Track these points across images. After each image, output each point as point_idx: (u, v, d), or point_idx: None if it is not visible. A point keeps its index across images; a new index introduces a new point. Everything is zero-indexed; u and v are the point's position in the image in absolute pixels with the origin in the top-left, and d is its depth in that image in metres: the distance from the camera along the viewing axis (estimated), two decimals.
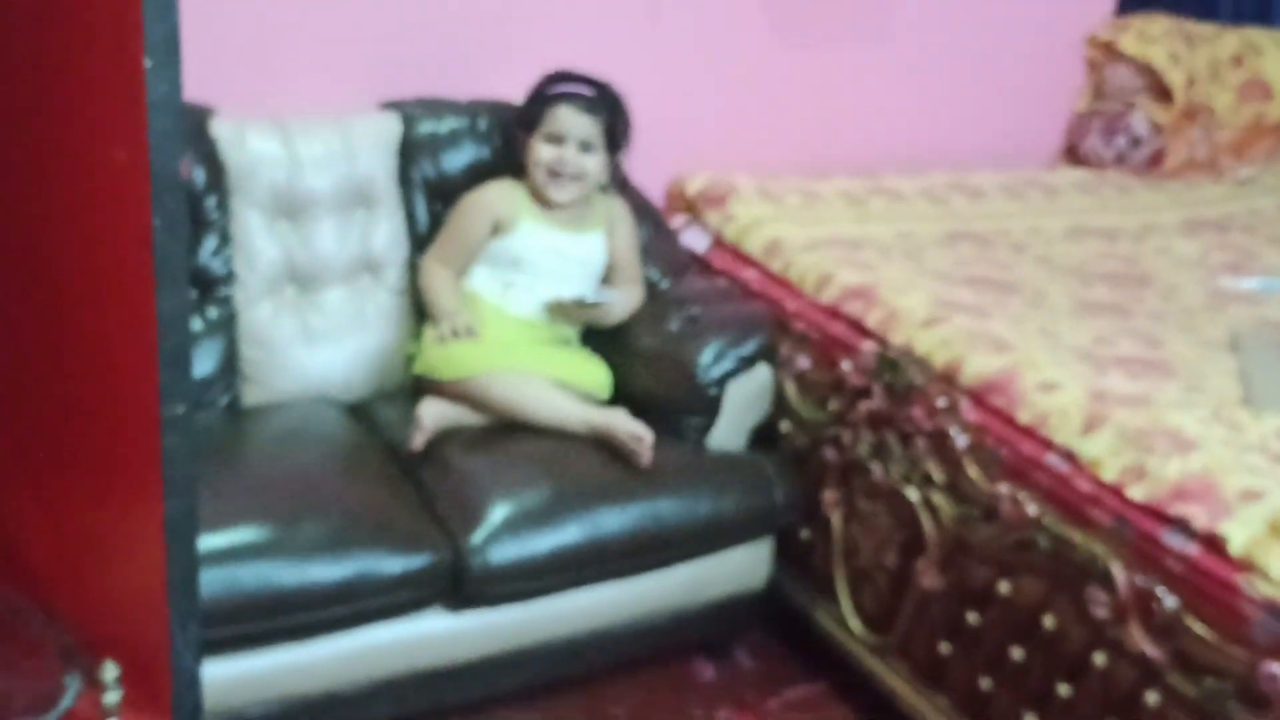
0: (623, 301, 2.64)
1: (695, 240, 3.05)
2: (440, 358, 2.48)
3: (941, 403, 2.26)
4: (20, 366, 1.22)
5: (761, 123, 3.32)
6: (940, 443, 2.25)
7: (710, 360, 2.51)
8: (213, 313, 2.53)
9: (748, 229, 2.97)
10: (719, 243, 3.05)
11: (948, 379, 2.35)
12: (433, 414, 2.39)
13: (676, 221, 3.12)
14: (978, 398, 2.30)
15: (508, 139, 2.70)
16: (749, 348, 2.54)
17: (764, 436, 2.64)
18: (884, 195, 3.26)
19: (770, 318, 2.63)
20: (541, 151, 2.58)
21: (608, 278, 2.69)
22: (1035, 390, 2.23)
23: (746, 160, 3.27)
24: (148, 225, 0.91)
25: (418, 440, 2.36)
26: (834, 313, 2.65)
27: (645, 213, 2.88)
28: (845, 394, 2.46)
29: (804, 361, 2.58)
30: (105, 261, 1.00)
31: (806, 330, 2.67)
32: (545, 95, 2.60)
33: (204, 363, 2.50)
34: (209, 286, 2.53)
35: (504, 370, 2.46)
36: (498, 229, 2.59)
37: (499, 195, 2.62)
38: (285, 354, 2.58)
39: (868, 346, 2.50)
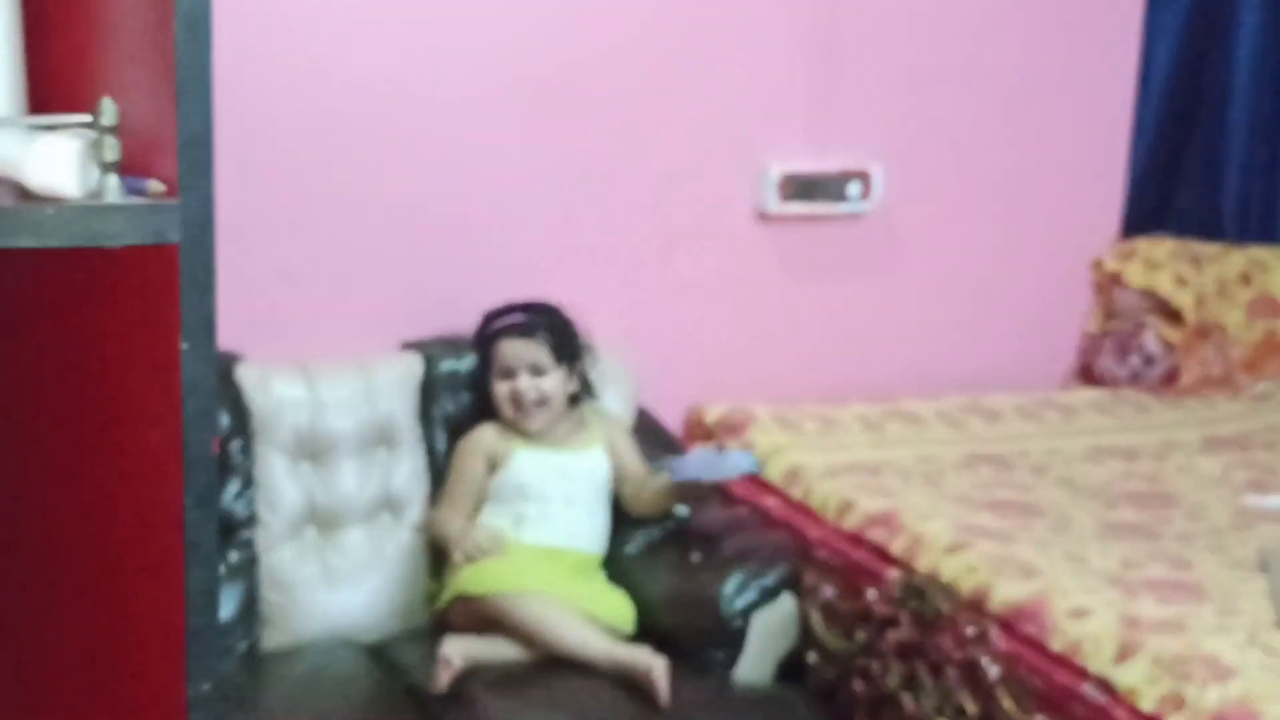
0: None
1: None
2: (471, 575, 2.46)
3: (970, 631, 2.22)
4: (45, 644, 1.20)
5: (777, 352, 3.36)
6: (971, 673, 2.19)
7: (733, 591, 2.48)
8: (234, 556, 2.54)
9: (767, 456, 2.98)
10: None
11: (976, 606, 2.31)
12: (457, 651, 2.35)
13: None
14: (1007, 625, 2.26)
15: (479, 388, 2.72)
16: (772, 578, 2.52)
17: (792, 668, 2.58)
18: (901, 419, 3.27)
19: (793, 546, 2.60)
20: (499, 389, 2.62)
21: (619, 488, 2.68)
22: (1066, 617, 2.19)
23: (763, 388, 3.30)
24: (179, 504, 0.91)
25: (443, 679, 2.31)
26: (857, 539, 2.63)
27: (663, 442, 2.89)
28: (872, 623, 2.42)
29: (829, 590, 2.54)
30: (134, 539, 1.00)
31: (829, 558, 2.64)
32: (485, 335, 2.67)
33: (224, 607, 2.48)
34: (231, 530, 2.55)
35: (533, 591, 2.43)
36: (494, 465, 2.61)
37: (488, 434, 2.65)
38: (306, 596, 2.57)
39: (892, 574, 2.47)
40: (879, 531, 2.59)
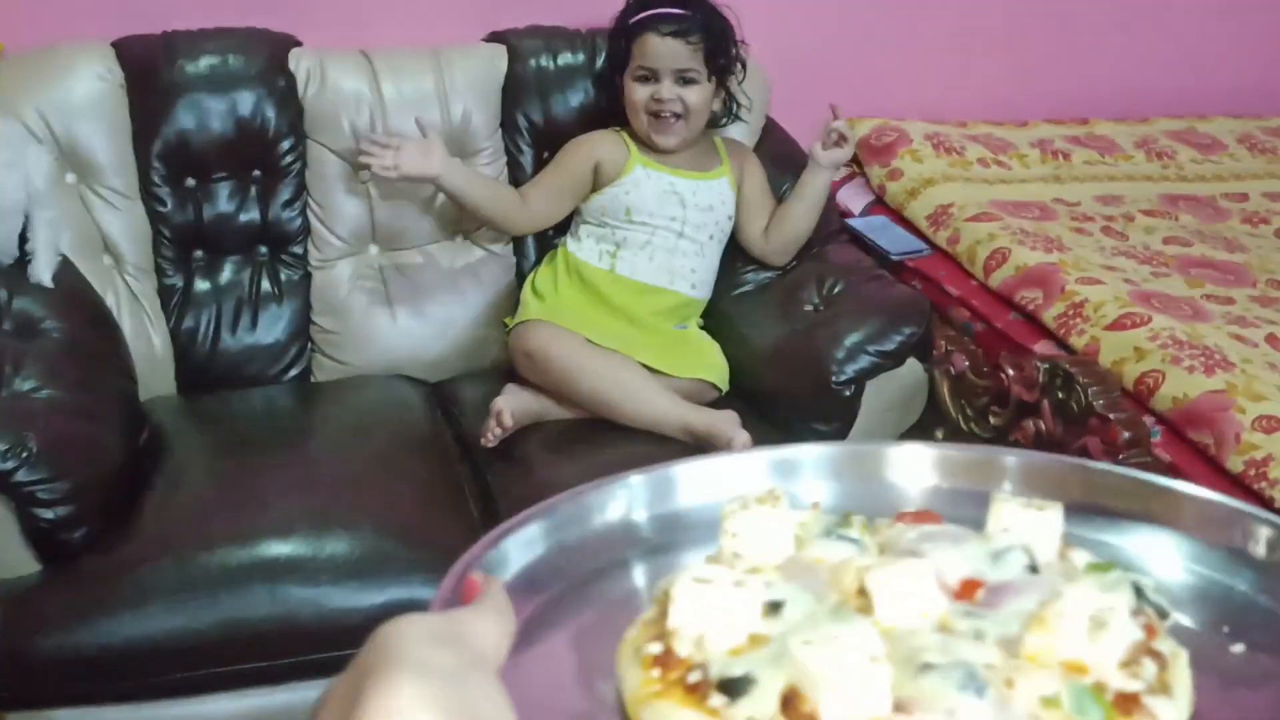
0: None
1: (853, 198, 2.61)
2: (543, 309, 2.18)
3: (1126, 435, 1.78)
4: None
5: (938, 58, 2.85)
6: None
7: (845, 355, 2.08)
8: (284, 274, 2.32)
9: (914, 188, 2.51)
10: (880, 203, 2.60)
11: (1138, 401, 1.87)
12: (511, 406, 2.06)
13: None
14: (1175, 430, 1.82)
15: (604, 85, 2.33)
16: (893, 341, 2.10)
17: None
18: (1091, 147, 2.76)
19: (925, 303, 2.17)
20: (635, 92, 2.22)
21: (742, 232, 2.30)
22: (1253, 427, 1.73)
23: (920, 102, 2.81)
24: None
25: (491, 436, 2.04)
26: (1005, 300, 2.19)
27: (794, 163, 2.44)
28: (1009, 408, 2.00)
29: (963, 360, 2.12)
30: None
31: (969, 321, 2.21)
32: (628, 26, 2.22)
33: (273, 329, 2.31)
34: (280, 243, 2.32)
35: (597, 355, 2.09)
36: (601, 174, 2.25)
37: (604, 139, 2.29)
38: (363, 324, 2.34)
39: (1040, 350, 2.03)
40: (1033, 292, 2.14)
